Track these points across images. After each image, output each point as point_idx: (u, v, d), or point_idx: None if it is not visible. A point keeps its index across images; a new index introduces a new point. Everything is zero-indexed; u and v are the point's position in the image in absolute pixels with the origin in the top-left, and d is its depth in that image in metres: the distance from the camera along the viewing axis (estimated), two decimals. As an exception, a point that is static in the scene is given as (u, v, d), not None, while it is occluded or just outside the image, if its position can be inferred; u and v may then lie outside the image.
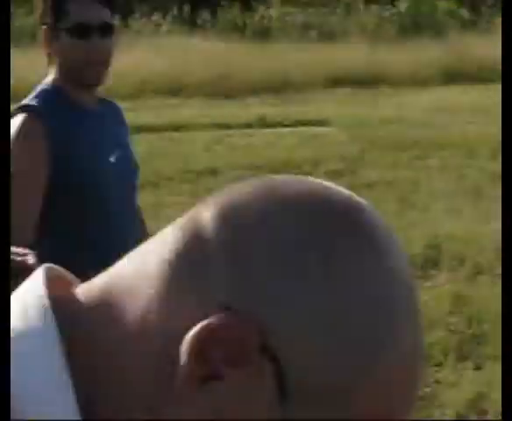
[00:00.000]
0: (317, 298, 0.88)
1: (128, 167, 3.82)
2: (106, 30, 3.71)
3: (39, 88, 3.77)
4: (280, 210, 0.92)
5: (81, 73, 3.69)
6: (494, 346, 7.26)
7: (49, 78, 3.74)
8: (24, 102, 3.74)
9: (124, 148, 3.84)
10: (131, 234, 3.70)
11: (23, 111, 3.66)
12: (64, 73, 3.71)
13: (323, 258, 0.90)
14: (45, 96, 3.71)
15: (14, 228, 3.43)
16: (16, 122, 3.64)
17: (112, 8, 3.78)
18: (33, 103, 3.69)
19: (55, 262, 2.98)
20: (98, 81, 3.77)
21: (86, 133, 3.72)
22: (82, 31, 3.63)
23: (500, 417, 4.47)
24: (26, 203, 3.56)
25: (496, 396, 6.54)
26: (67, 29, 3.67)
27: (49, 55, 3.75)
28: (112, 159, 3.73)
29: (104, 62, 3.74)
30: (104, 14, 3.71)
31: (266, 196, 0.94)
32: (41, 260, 3.44)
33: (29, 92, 3.80)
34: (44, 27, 3.73)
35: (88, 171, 3.66)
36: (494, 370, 7.04)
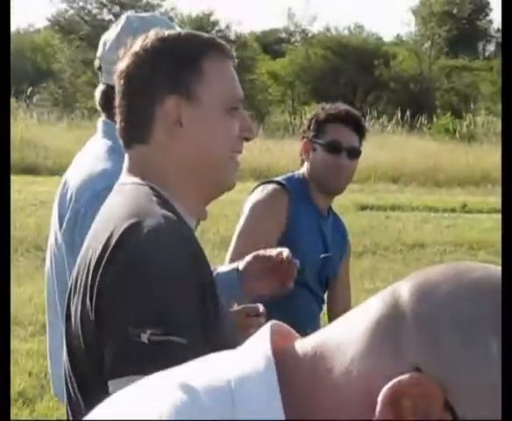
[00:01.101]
0: (491, 374, 0.86)
1: (328, 269, 3.75)
2: (353, 152, 3.69)
3: (290, 174, 3.81)
4: (465, 293, 0.90)
5: (326, 182, 3.66)
6: None
7: (300, 172, 3.75)
8: (277, 179, 3.77)
9: (335, 255, 3.77)
10: (317, 303, 3.77)
11: (279, 186, 3.67)
12: (312, 176, 3.69)
13: (498, 341, 0.87)
14: (295, 182, 3.70)
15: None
16: (268, 188, 3.68)
17: (361, 136, 3.75)
18: (286, 183, 3.67)
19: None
20: (338, 192, 3.75)
21: (312, 229, 3.68)
22: (335, 149, 3.61)
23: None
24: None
25: None
26: (323, 145, 3.65)
27: (303, 160, 3.76)
28: (322, 256, 3.68)
29: (347, 178, 3.72)
30: (354, 139, 3.69)
31: (454, 279, 0.91)
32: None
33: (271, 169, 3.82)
34: (305, 139, 3.74)
35: (304, 255, 3.49)
36: None
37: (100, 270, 1.79)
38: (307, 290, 3.65)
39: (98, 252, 1.81)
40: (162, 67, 1.99)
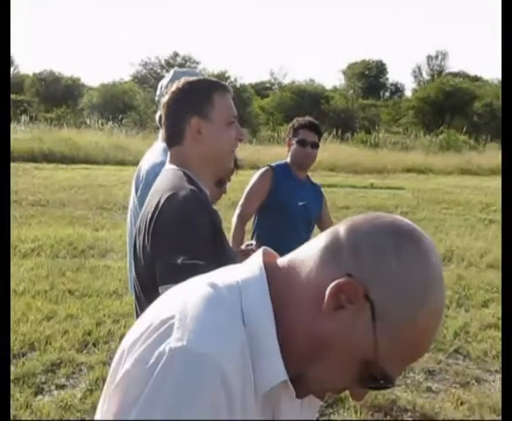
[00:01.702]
0: (393, 274, 0.88)
1: (308, 214, 3.74)
2: (314, 145, 3.72)
3: (281, 161, 3.81)
4: (377, 229, 0.91)
5: (301, 162, 3.73)
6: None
7: (286, 160, 3.78)
8: (271, 164, 3.81)
9: (310, 204, 3.74)
10: (301, 237, 3.62)
11: (268, 166, 3.74)
12: (292, 160, 3.73)
13: (395, 254, 0.89)
14: (282, 165, 3.76)
15: (244, 208, 3.68)
16: (262, 169, 3.77)
17: (319, 135, 3.78)
18: (274, 165, 3.74)
19: (262, 233, 3.06)
20: (307, 168, 3.78)
21: (292, 189, 3.68)
22: (303, 143, 3.69)
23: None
24: (252, 201, 3.68)
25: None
26: (296, 141, 3.71)
27: (288, 151, 3.78)
28: (300, 204, 3.67)
29: (313, 159, 3.74)
30: (314, 137, 3.73)
31: (371, 221, 0.93)
32: (258, 230, 3.72)
33: (260, 163, 3.88)
34: (287, 139, 3.82)
35: (286, 204, 3.63)
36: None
37: (153, 221, 1.81)
38: (293, 228, 3.60)
39: (151, 211, 1.83)
40: (189, 99, 1.97)
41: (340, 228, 0.94)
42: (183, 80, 2.02)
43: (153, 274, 1.78)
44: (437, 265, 0.91)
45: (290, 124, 3.84)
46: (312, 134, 3.73)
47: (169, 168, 2.00)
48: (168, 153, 2.06)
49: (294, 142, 3.74)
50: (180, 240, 1.75)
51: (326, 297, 0.88)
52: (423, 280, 0.89)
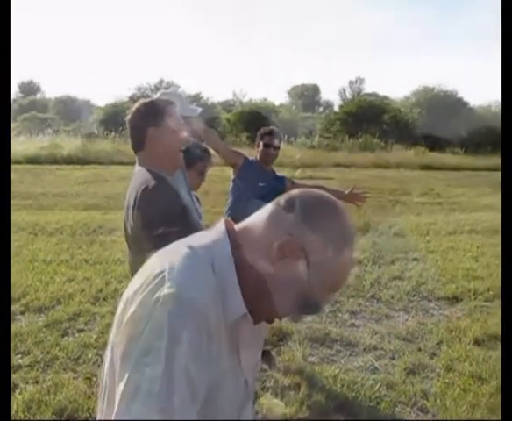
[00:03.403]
0: (321, 232, 0.88)
1: (267, 192, 3.46)
2: (276, 147, 3.63)
3: (253, 157, 3.70)
4: (311, 200, 0.91)
5: (265, 159, 3.62)
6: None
7: (256, 157, 3.68)
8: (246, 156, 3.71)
9: (269, 186, 3.56)
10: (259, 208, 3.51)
11: (243, 156, 3.67)
12: (260, 157, 3.63)
13: (323, 219, 0.89)
14: (252, 159, 3.67)
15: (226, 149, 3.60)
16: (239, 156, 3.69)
17: (279, 140, 3.68)
18: (248, 158, 3.66)
19: (231, 202, 3.24)
20: (271, 163, 3.66)
21: (256, 174, 3.58)
22: (268, 146, 3.63)
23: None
24: (234, 153, 3.65)
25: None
26: (263, 144, 3.63)
27: (257, 151, 3.68)
28: (261, 185, 3.55)
29: (274, 157, 3.66)
30: (276, 141, 3.66)
31: (305, 194, 0.93)
32: (230, 200, 3.60)
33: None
34: (256, 142, 3.70)
35: (250, 183, 3.54)
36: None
37: (136, 205, 1.79)
38: (254, 201, 3.41)
39: (133, 199, 1.82)
40: (145, 116, 1.93)
41: (281, 200, 0.94)
42: (140, 102, 1.98)
43: (140, 238, 1.77)
44: (351, 226, 0.92)
45: (259, 132, 3.75)
46: (274, 139, 3.67)
47: (139, 169, 1.95)
48: (136, 157, 1.99)
49: (261, 145, 3.67)
50: (157, 217, 1.73)
51: (275, 251, 0.88)
52: (342, 237, 0.90)
